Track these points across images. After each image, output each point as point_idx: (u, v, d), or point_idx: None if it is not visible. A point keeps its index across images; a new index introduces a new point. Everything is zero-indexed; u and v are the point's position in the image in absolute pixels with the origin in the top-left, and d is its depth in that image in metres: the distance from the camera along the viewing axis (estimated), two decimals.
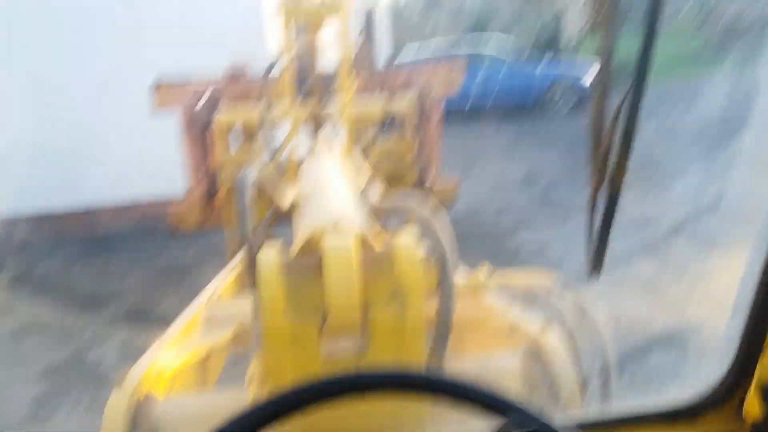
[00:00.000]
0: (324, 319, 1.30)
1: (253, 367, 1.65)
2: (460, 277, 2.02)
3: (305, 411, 0.91)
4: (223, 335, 2.01)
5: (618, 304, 4.62)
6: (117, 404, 1.38)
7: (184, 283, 5.17)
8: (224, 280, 2.60)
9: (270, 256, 1.36)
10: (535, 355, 1.54)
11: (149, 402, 1.44)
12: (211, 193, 4.85)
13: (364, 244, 1.40)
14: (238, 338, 2.03)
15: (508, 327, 1.77)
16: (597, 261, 1.31)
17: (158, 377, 1.60)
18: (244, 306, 2.10)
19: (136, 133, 7.17)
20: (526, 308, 1.85)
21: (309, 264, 1.34)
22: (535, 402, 1.53)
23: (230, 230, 4.38)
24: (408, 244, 1.38)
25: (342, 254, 1.32)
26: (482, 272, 2.09)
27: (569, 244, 5.53)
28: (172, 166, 5.77)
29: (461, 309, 1.69)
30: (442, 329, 1.43)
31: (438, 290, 1.43)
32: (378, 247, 1.42)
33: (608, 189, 1.29)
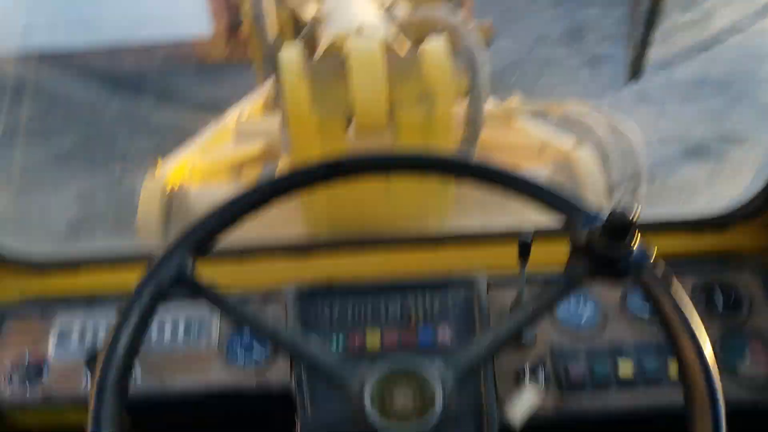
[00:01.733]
0: (350, 119, 1.29)
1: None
2: (490, 105, 1.98)
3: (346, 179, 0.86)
4: (253, 146, 2.03)
5: (658, 111, 4.48)
6: (152, 189, 1.43)
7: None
8: (255, 99, 2.59)
9: (291, 53, 1.31)
10: (565, 169, 1.54)
11: (184, 190, 1.49)
12: (235, 25, 4.71)
13: (389, 49, 1.35)
14: (269, 151, 2.05)
15: (538, 146, 1.75)
16: (637, 64, 1.25)
17: (191, 173, 1.64)
18: (273, 122, 2.10)
19: None
20: (558, 130, 1.82)
21: (333, 65, 1.30)
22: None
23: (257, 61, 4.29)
24: (436, 47, 1.32)
25: (367, 55, 1.28)
26: (513, 100, 2.04)
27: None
28: (195, 4, 5.56)
29: (491, 132, 1.67)
30: (471, 132, 1.41)
31: (468, 94, 1.39)
32: (403, 53, 1.37)
33: None
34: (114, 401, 0.67)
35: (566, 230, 0.76)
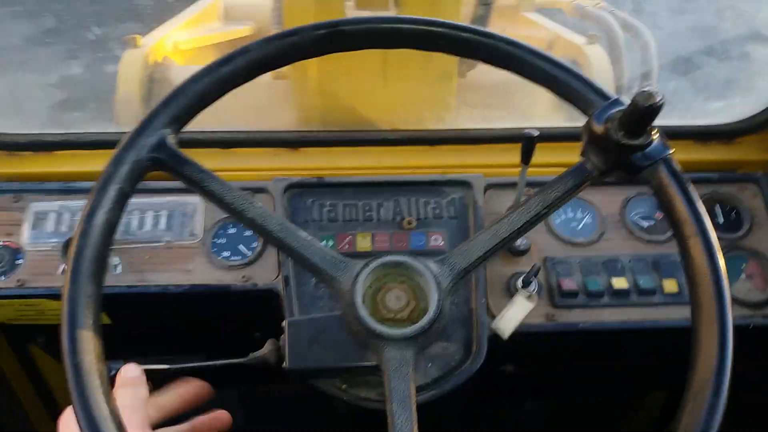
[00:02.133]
0: None
1: None
2: None
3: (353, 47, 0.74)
4: (242, 27, 1.89)
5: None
6: (132, 64, 1.33)
7: None
8: None
9: None
10: (576, 64, 1.45)
11: (166, 65, 1.39)
12: None
13: None
14: (258, 34, 1.92)
15: (548, 40, 1.65)
16: None
17: (174, 50, 1.53)
18: (265, 3, 1.95)
19: None
20: (570, 25, 1.71)
21: None
22: None
23: None
24: None
25: None
26: None
27: None
28: None
29: (498, 23, 1.55)
30: (483, 12, 1.30)
31: None
32: None
33: None
34: (90, 282, 0.60)
35: (584, 116, 0.68)
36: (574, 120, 1.39)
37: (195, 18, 1.80)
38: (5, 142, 1.13)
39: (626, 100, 0.64)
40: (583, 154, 0.68)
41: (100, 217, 0.62)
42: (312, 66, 1.19)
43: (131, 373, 0.77)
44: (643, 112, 0.59)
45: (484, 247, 0.67)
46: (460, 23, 0.73)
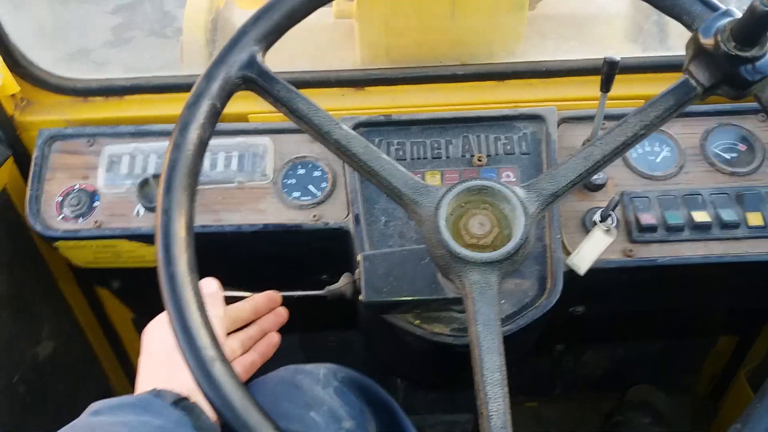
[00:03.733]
0: None
1: None
2: None
3: None
4: None
5: None
6: (196, 7, 1.32)
7: None
8: None
9: None
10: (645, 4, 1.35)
11: (230, 8, 1.38)
12: None
13: None
14: None
15: None
16: None
17: None
18: None
19: None
20: None
21: None
22: None
23: None
24: None
25: None
26: None
27: None
28: None
29: None
30: None
31: None
32: None
33: None
34: (184, 193, 0.60)
35: (690, 29, 0.64)
36: (652, 50, 1.31)
37: None
38: (77, 88, 1.16)
39: (736, 11, 0.60)
40: (685, 71, 0.63)
41: (193, 132, 0.62)
42: (378, 2, 1.16)
43: (210, 287, 0.80)
44: (761, 18, 0.54)
45: (574, 172, 0.64)
46: None
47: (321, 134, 0.66)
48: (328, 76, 1.16)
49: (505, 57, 1.19)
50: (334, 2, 1.29)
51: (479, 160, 1.05)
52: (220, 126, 1.11)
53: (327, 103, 1.16)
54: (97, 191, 1.07)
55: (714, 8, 0.63)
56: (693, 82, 0.62)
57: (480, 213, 0.64)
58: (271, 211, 1.03)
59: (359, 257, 0.82)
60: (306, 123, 0.67)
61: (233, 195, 1.05)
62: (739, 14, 0.59)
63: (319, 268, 1.10)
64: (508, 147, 1.06)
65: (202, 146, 0.64)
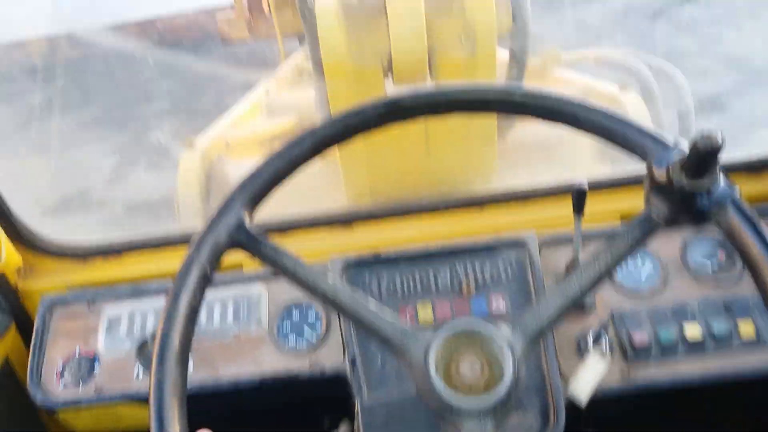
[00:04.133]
0: (389, 64, 1.22)
1: None
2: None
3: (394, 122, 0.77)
4: (285, 120, 1.98)
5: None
6: (189, 165, 1.40)
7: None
8: (281, 74, 2.53)
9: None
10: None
11: (221, 162, 1.46)
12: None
13: None
14: (301, 124, 2.01)
15: (582, 93, 1.66)
16: None
17: (227, 146, 1.61)
18: (303, 95, 2.05)
19: None
20: (602, 77, 1.73)
21: (370, 6, 1.23)
22: None
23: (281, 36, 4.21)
24: None
25: None
26: (550, 51, 1.94)
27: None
28: None
29: (531, 83, 1.58)
30: (516, 71, 1.33)
31: (512, 30, 1.31)
32: None
33: None
34: (176, 365, 0.63)
35: (645, 164, 0.67)
36: (620, 164, 1.38)
37: (241, 116, 1.90)
38: (75, 250, 1.20)
39: (684, 143, 0.63)
40: (646, 202, 0.67)
41: (184, 300, 0.65)
42: (359, 149, 1.24)
43: None
44: (705, 154, 0.58)
45: (554, 308, 0.66)
46: (512, 85, 0.75)
47: (308, 288, 0.70)
48: (316, 217, 1.22)
49: (482, 185, 1.26)
50: None
51: (468, 289, 1.07)
52: (216, 277, 1.15)
53: (317, 243, 1.22)
54: (97, 355, 1.08)
55: (664, 144, 0.67)
56: (654, 215, 0.66)
57: (470, 354, 0.65)
58: (268, 361, 1.04)
59: (357, 407, 0.82)
60: (293, 278, 0.70)
61: (230, 347, 1.06)
62: (686, 147, 0.62)
63: (319, 415, 1.09)
64: (495, 275, 1.09)
65: (193, 313, 0.66)
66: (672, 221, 0.65)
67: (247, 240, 0.70)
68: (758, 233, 0.62)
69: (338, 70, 1.21)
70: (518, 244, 1.10)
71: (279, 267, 0.70)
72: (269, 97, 2.14)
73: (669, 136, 0.69)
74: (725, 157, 0.62)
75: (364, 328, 0.68)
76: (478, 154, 1.25)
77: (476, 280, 1.09)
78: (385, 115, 0.75)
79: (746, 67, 4.00)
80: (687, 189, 0.61)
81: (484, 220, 1.22)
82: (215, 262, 0.69)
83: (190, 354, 1.04)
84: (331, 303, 0.69)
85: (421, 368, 0.64)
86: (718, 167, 0.61)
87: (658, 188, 0.65)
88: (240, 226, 0.70)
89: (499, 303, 1.06)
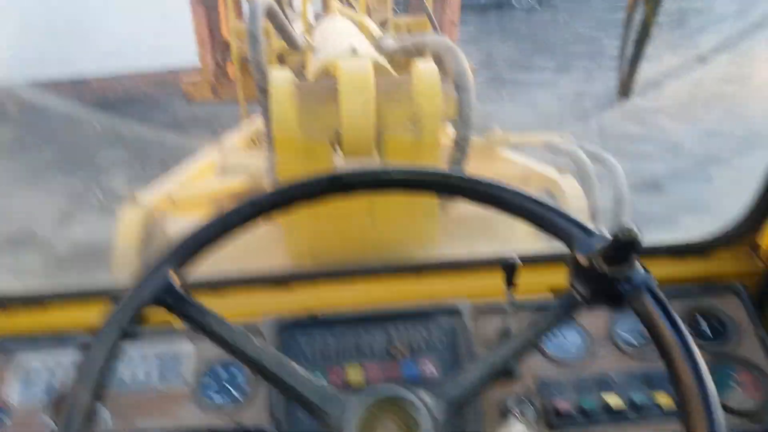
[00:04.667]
0: (338, 140, 1.28)
1: None
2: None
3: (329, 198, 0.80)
4: (236, 181, 2.00)
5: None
6: (130, 219, 1.39)
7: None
8: (238, 135, 2.58)
9: (282, 75, 1.31)
10: (550, 197, 1.53)
11: (163, 219, 1.46)
12: (223, 62, 4.74)
13: (381, 70, 1.34)
14: (252, 187, 2.03)
15: (523, 175, 1.75)
16: (628, 82, 1.25)
17: (171, 205, 1.61)
18: (257, 158, 2.09)
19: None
20: (542, 160, 1.83)
21: (324, 87, 1.29)
22: None
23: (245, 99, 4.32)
24: (427, 69, 1.32)
25: (358, 76, 1.27)
26: (494, 132, 2.05)
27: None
28: (183, 37, 5.58)
29: (475, 163, 1.65)
30: (459, 155, 1.40)
31: (456, 120, 1.39)
32: (394, 74, 1.37)
33: (643, 12, 1.21)
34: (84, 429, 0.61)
35: (569, 250, 0.73)
36: (554, 242, 1.44)
37: (193, 174, 1.91)
38: None
39: (606, 232, 0.70)
40: (570, 284, 0.72)
41: (99, 360, 0.65)
42: (303, 212, 1.26)
43: None
44: (624, 245, 0.64)
45: (477, 378, 0.69)
46: (449, 171, 0.81)
47: (231, 350, 0.70)
48: (253, 276, 1.21)
49: (422, 254, 1.29)
50: None
51: (400, 353, 1.08)
52: (143, 331, 1.12)
53: (253, 302, 1.21)
54: (8, 407, 1.02)
55: (588, 232, 0.73)
56: (577, 296, 0.71)
57: (391, 421, 0.65)
58: (188, 417, 1.01)
59: None
60: (217, 340, 0.71)
61: (152, 402, 1.02)
62: (608, 237, 0.68)
63: None
64: (428, 340, 1.10)
65: (107, 372, 0.66)
66: (592, 302, 0.71)
67: (172, 300, 0.71)
68: (670, 319, 0.68)
69: (288, 142, 1.26)
70: (452, 311, 1.12)
71: (204, 328, 0.71)
72: (224, 157, 2.16)
73: (592, 225, 0.75)
74: (649, 240, 0.68)
75: (286, 392, 0.69)
76: (420, 225, 1.29)
77: (409, 344, 1.09)
78: (327, 189, 0.79)
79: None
80: (607, 275, 0.67)
81: (420, 286, 1.24)
82: (136, 323, 0.70)
83: (107, 407, 1.01)
84: (254, 365, 0.70)
85: None
86: (635, 257, 0.67)
87: (580, 272, 0.71)
88: (166, 287, 0.71)
89: (431, 368, 1.07)
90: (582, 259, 0.69)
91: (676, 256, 1.30)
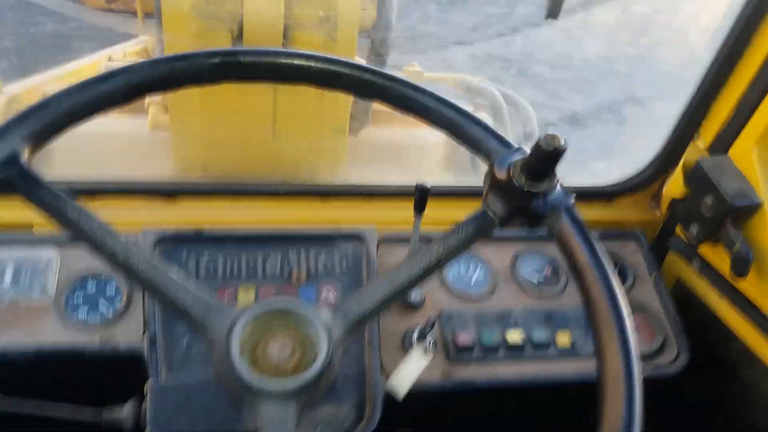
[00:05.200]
0: (239, 32, 1.13)
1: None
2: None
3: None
4: None
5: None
6: None
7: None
8: (130, 46, 2.31)
9: None
10: None
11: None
12: None
13: None
14: None
15: None
16: (556, 3, 1.20)
17: (39, 97, 1.40)
18: None
19: None
20: (458, 96, 1.77)
21: None
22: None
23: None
24: None
25: None
26: (412, 67, 1.97)
27: None
28: None
29: None
30: (377, 64, 1.30)
31: (375, 23, 1.28)
32: None
33: None
34: None
35: (486, 162, 0.66)
36: (465, 178, 1.40)
37: (71, 73, 1.68)
38: None
39: (526, 149, 0.63)
40: (483, 202, 0.65)
41: None
42: (194, 115, 1.12)
43: None
44: (547, 155, 0.57)
45: (380, 295, 0.60)
46: (367, 65, 0.70)
47: (95, 246, 0.57)
48: (133, 185, 1.07)
49: (328, 178, 1.20)
50: (149, 112, 1.23)
51: (298, 278, 0.99)
52: None
53: (131, 214, 1.07)
54: None
55: (507, 145, 0.66)
56: (490, 213, 0.64)
57: (281, 336, 0.57)
58: (49, 333, 0.87)
59: (146, 386, 0.70)
60: (75, 232, 0.57)
61: (3, 313, 0.88)
62: (528, 152, 0.62)
63: (107, 396, 0.93)
64: (329, 265, 1.02)
65: None
66: (506, 220, 0.64)
67: (19, 178, 0.56)
68: (586, 240, 0.63)
69: (179, 23, 1.09)
70: (356, 237, 1.05)
71: (60, 218, 0.57)
72: (109, 64, 1.92)
73: (512, 140, 0.69)
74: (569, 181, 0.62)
75: (161, 299, 0.57)
76: (327, 144, 1.19)
77: (308, 269, 1.01)
78: (220, 67, 0.65)
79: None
80: (524, 189, 0.60)
81: (324, 212, 1.15)
82: None
83: None
84: (121, 266, 0.57)
85: (222, 346, 0.54)
86: (556, 173, 0.61)
87: (497, 187, 0.63)
88: (13, 161, 0.56)
89: (329, 294, 1.00)
90: (499, 172, 0.62)
91: (583, 199, 1.30)
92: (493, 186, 0.63)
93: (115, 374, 0.90)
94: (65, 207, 0.56)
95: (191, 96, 1.13)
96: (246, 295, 0.96)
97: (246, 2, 1.09)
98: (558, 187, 0.62)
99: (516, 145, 0.65)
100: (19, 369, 0.87)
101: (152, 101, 1.33)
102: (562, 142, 0.56)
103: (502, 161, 0.63)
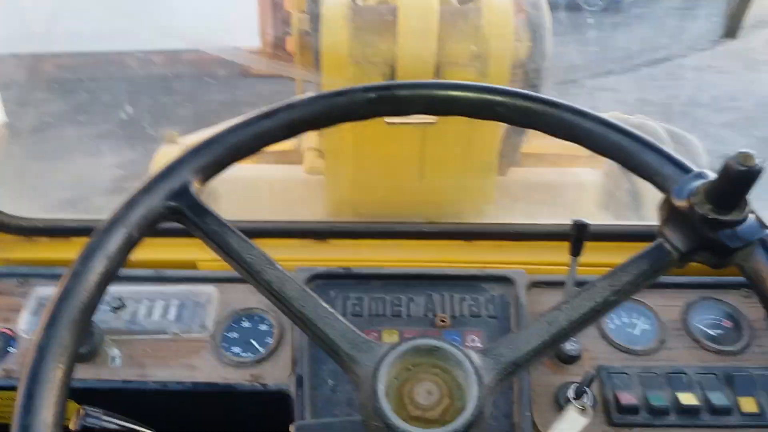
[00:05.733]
0: (392, 73, 1.15)
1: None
2: None
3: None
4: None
5: None
6: (167, 152, 1.31)
7: None
8: None
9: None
10: (620, 176, 1.37)
11: None
12: (281, 39, 4.67)
13: None
14: (297, 146, 1.94)
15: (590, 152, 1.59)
16: (735, 21, 1.08)
17: None
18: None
19: None
20: None
21: (381, 11, 1.16)
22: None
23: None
24: (500, 1, 1.17)
25: (420, 2, 1.13)
26: None
27: None
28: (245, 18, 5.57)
29: (536, 136, 1.51)
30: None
31: (529, 54, 1.23)
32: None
33: None
34: (70, 331, 0.51)
35: (662, 190, 0.58)
36: (625, 219, 1.28)
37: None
38: (22, 227, 1.10)
39: (711, 173, 0.54)
40: (659, 234, 0.56)
41: (99, 262, 0.54)
42: (347, 159, 1.15)
43: None
44: (739, 177, 0.49)
45: (536, 340, 0.54)
46: (522, 91, 0.67)
47: (251, 274, 0.58)
48: (288, 226, 1.11)
49: (474, 218, 1.16)
50: (305, 157, 1.29)
51: (442, 321, 0.96)
52: (164, 273, 1.05)
53: (285, 253, 1.11)
54: (16, 335, 0.95)
55: (687, 169, 0.58)
56: (668, 246, 0.55)
57: (429, 379, 0.53)
58: (205, 368, 0.92)
59: (291, 427, 0.69)
60: (236, 261, 0.59)
61: (165, 348, 0.94)
62: (713, 176, 0.53)
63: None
64: (474, 309, 0.97)
65: (105, 279, 0.55)
66: (687, 256, 0.54)
67: (189, 208, 0.60)
68: None
69: (337, 66, 1.13)
70: (504, 279, 0.99)
71: (223, 246, 0.59)
72: None
73: (692, 163, 0.60)
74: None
75: (310, 331, 0.57)
76: (474, 183, 1.15)
77: (453, 312, 0.97)
78: (376, 102, 0.66)
79: None
80: (711, 218, 0.51)
81: (471, 253, 1.11)
82: (146, 228, 0.59)
83: (118, 348, 0.93)
84: (275, 296, 0.58)
85: (369, 385, 0.52)
86: (748, 199, 0.51)
87: (675, 218, 0.54)
88: (184, 192, 0.60)
89: (475, 340, 0.94)
90: (679, 202, 0.54)
91: None
92: (671, 216, 0.55)
93: (261, 411, 0.91)
94: (228, 236, 0.59)
95: (345, 141, 1.17)
96: (390, 339, 0.94)
97: (399, 43, 1.11)
98: (751, 216, 0.52)
99: (697, 169, 0.56)
100: (175, 402, 0.92)
101: (309, 147, 1.39)
102: (758, 162, 0.47)
103: (682, 187, 0.54)
